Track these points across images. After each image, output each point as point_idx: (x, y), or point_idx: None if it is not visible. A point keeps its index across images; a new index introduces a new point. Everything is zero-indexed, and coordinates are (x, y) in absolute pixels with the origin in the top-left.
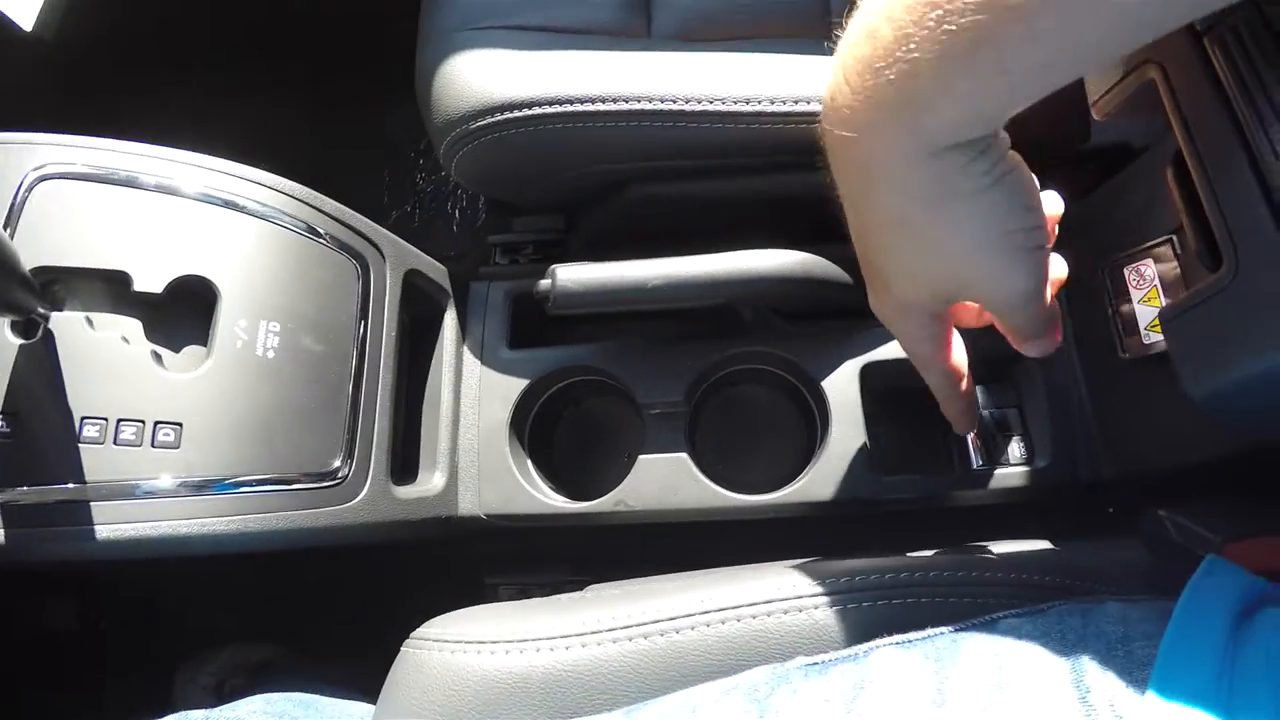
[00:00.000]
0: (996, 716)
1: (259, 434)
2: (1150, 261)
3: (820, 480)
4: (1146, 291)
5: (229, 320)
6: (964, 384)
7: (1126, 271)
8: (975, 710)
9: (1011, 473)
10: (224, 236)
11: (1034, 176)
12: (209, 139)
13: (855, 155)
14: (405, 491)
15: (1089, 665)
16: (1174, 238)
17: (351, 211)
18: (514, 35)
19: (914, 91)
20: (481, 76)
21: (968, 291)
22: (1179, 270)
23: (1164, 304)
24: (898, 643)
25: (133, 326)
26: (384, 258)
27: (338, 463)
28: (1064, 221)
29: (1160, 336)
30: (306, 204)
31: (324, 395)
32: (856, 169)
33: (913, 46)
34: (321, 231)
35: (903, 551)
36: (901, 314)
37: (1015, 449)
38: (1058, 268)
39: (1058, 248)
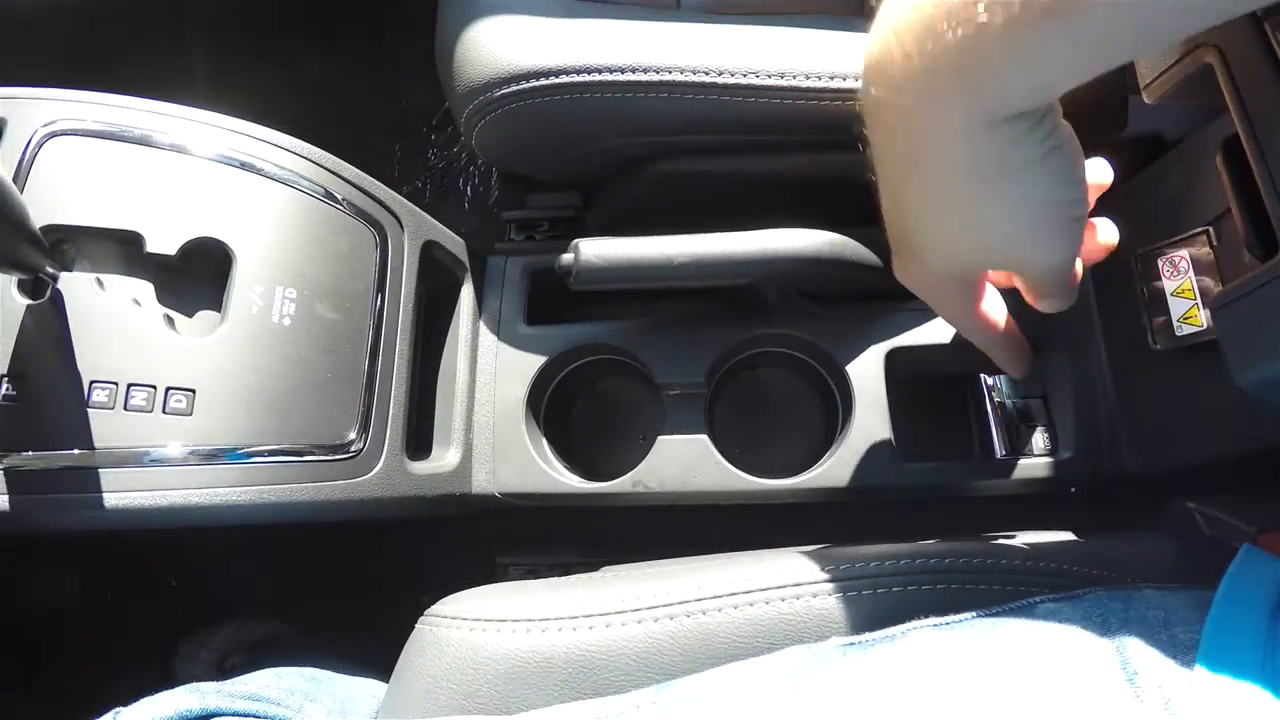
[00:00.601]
0: (1043, 696)
1: (273, 403)
2: (1185, 253)
3: (842, 465)
4: (1181, 283)
5: (244, 285)
6: (1007, 331)
7: (1160, 262)
8: (1020, 690)
9: (1035, 463)
10: (240, 199)
11: (1080, 145)
12: (218, 105)
13: (903, 124)
14: (420, 467)
15: (1133, 647)
16: (1210, 229)
17: (370, 178)
18: (540, 1)
19: (978, 58)
20: (506, 43)
21: (1005, 261)
22: (1215, 261)
23: (1199, 295)
24: (935, 625)
25: (144, 289)
26: (402, 227)
27: (353, 435)
28: (1103, 198)
29: (1194, 329)
30: (325, 169)
31: (340, 366)
32: (902, 138)
33: (981, 9)
34: (340, 197)
35: (927, 539)
36: (935, 284)
37: (1039, 439)
38: (1108, 233)
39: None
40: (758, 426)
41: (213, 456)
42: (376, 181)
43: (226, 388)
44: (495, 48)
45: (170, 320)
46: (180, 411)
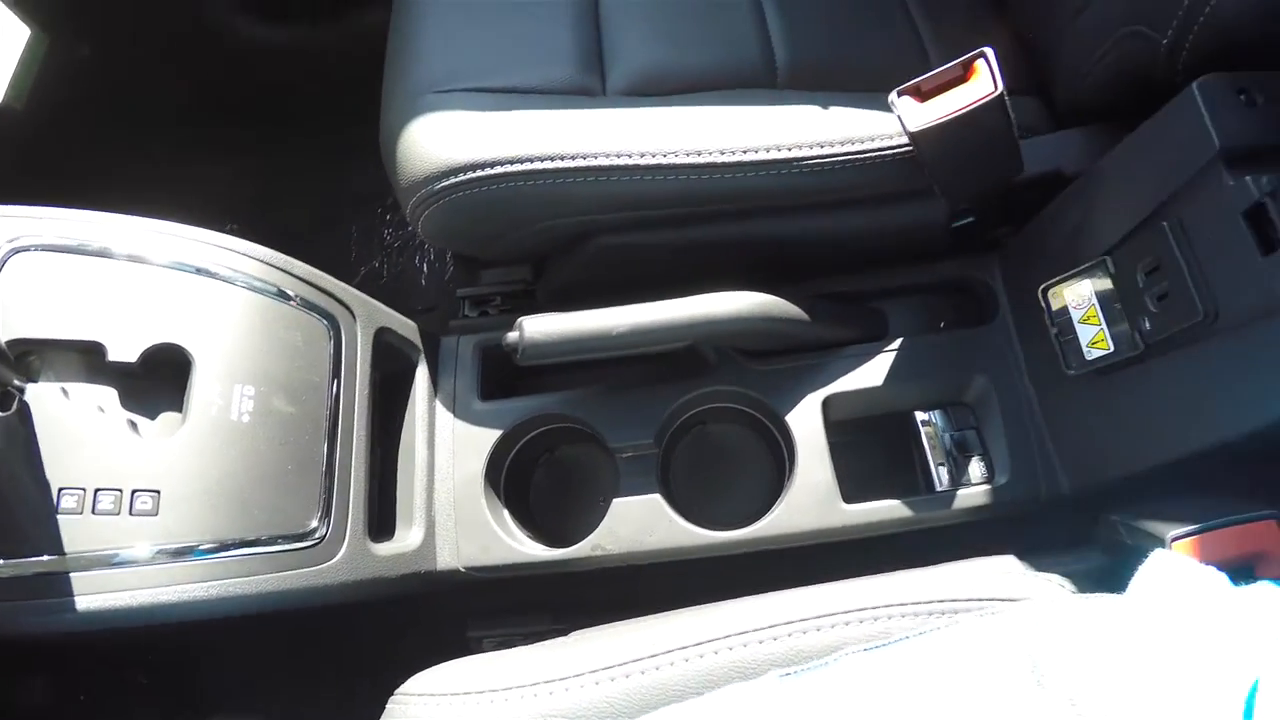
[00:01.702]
0: (959, 699)
1: (235, 498)
2: (1087, 282)
3: (789, 513)
4: (1085, 311)
5: (203, 386)
6: None
7: (1065, 292)
8: (939, 694)
9: (974, 492)
10: (196, 303)
11: None
12: (180, 202)
13: None
14: (383, 548)
15: (1043, 653)
16: (1107, 258)
17: (321, 273)
18: (474, 97)
19: None
20: (444, 138)
21: None
22: (1114, 287)
23: (1104, 321)
24: (865, 648)
25: (108, 395)
26: (354, 317)
27: (315, 523)
28: (1005, 250)
29: (1102, 352)
30: (276, 268)
31: (299, 456)
32: None
33: None
34: (292, 294)
35: (876, 573)
36: None
37: (976, 468)
38: None
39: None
40: (712, 479)
41: (180, 554)
42: (328, 276)
43: (190, 486)
44: (433, 143)
45: (134, 424)
46: (146, 512)
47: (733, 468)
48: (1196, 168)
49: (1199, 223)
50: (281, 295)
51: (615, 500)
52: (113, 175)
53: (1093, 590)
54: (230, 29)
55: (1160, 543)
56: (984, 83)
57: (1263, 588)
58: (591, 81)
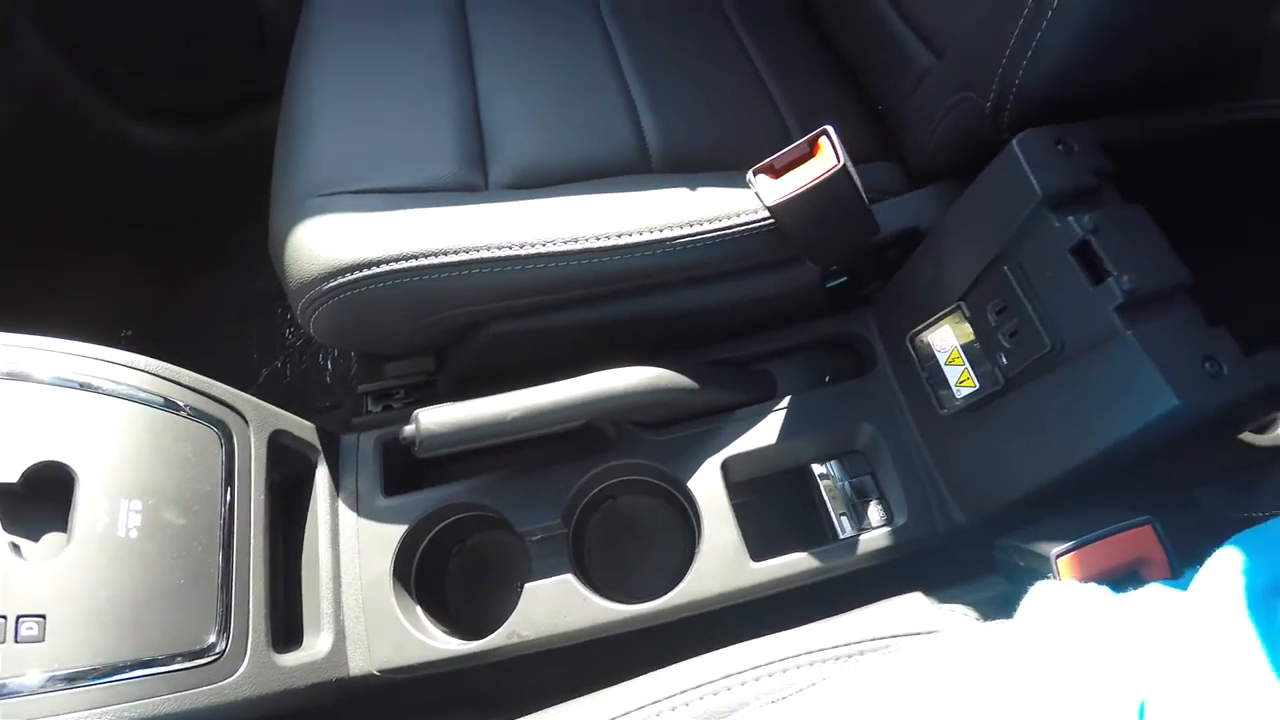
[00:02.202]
0: None
1: (127, 617)
2: (947, 327)
3: (700, 579)
4: (949, 354)
5: (88, 503)
6: None
7: (930, 338)
8: None
9: (876, 535)
10: (79, 419)
11: None
12: (76, 309)
13: None
14: (290, 658)
15: (938, 683)
16: (961, 303)
17: (210, 380)
18: (359, 199)
19: None
20: (330, 240)
21: None
22: (971, 329)
23: (967, 361)
24: (772, 700)
25: None
26: (247, 422)
27: (212, 638)
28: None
29: (969, 390)
30: (163, 378)
31: (193, 569)
32: None
33: None
34: (180, 404)
35: (795, 625)
36: None
37: (875, 513)
38: None
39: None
40: (625, 552)
41: (72, 680)
42: (218, 382)
43: (78, 609)
44: (319, 246)
45: (16, 547)
46: (32, 639)
47: (645, 538)
48: (1025, 214)
49: (1035, 263)
50: (169, 405)
51: (528, 585)
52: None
53: (996, 616)
54: (121, 135)
55: (1048, 562)
56: (827, 158)
57: (1148, 591)
58: (474, 177)
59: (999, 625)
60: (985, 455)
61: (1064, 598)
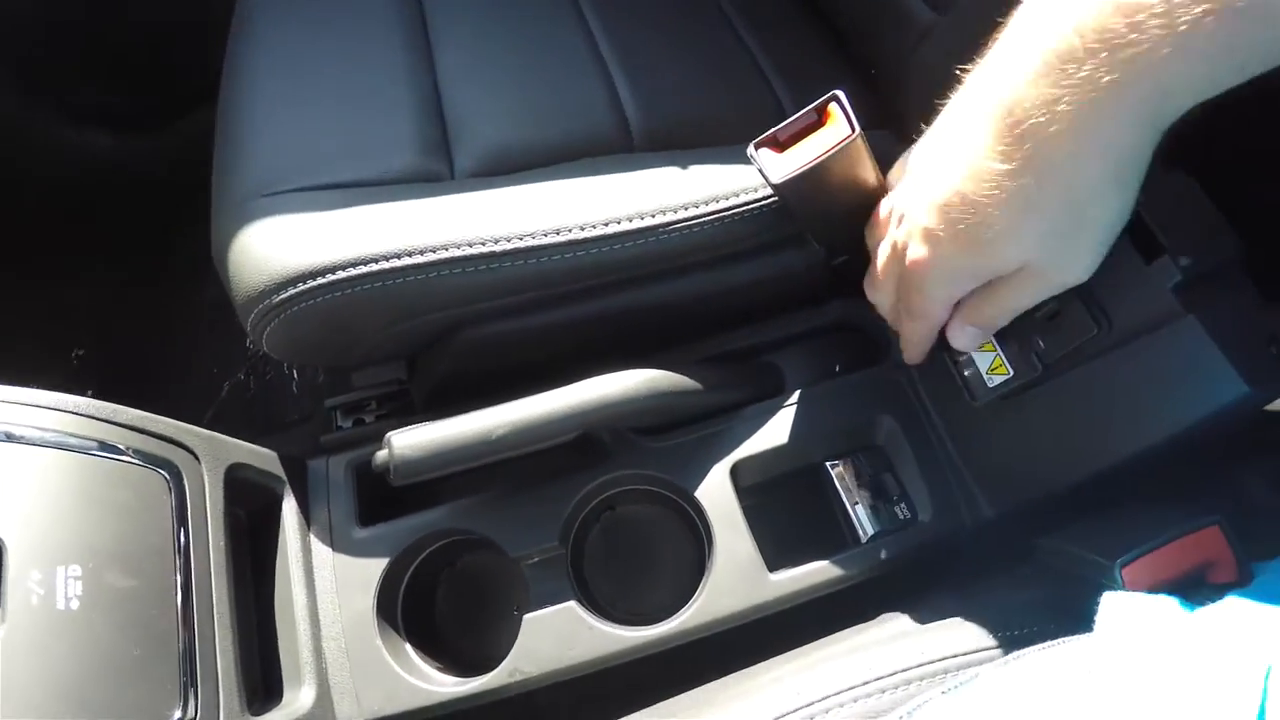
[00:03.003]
0: None
1: (74, 699)
2: None
3: (716, 597)
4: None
5: (20, 575)
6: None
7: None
8: None
9: (901, 535)
10: (2, 477)
11: None
12: (22, 328)
13: (1066, 114)
14: (268, 719)
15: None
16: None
17: (151, 416)
18: (310, 197)
19: (1168, 57)
20: (278, 245)
21: (1051, 265)
22: None
23: (999, 347)
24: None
25: None
26: (198, 459)
27: (177, 712)
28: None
29: (1002, 378)
30: (96, 419)
31: (147, 636)
32: (1056, 129)
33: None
34: (120, 446)
35: (825, 635)
36: (958, 273)
37: (899, 512)
38: None
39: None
40: (630, 568)
41: None
42: (160, 417)
43: (16, 697)
44: (268, 251)
45: None
46: None
47: (648, 549)
48: None
49: None
50: (107, 450)
51: (527, 616)
52: None
53: (1053, 622)
54: (56, 143)
55: (1108, 570)
56: (840, 126)
57: (1229, 603)
58: (437, 166)
59: (1087, 644)
60: (1020, 446)
61: (1137, 613)
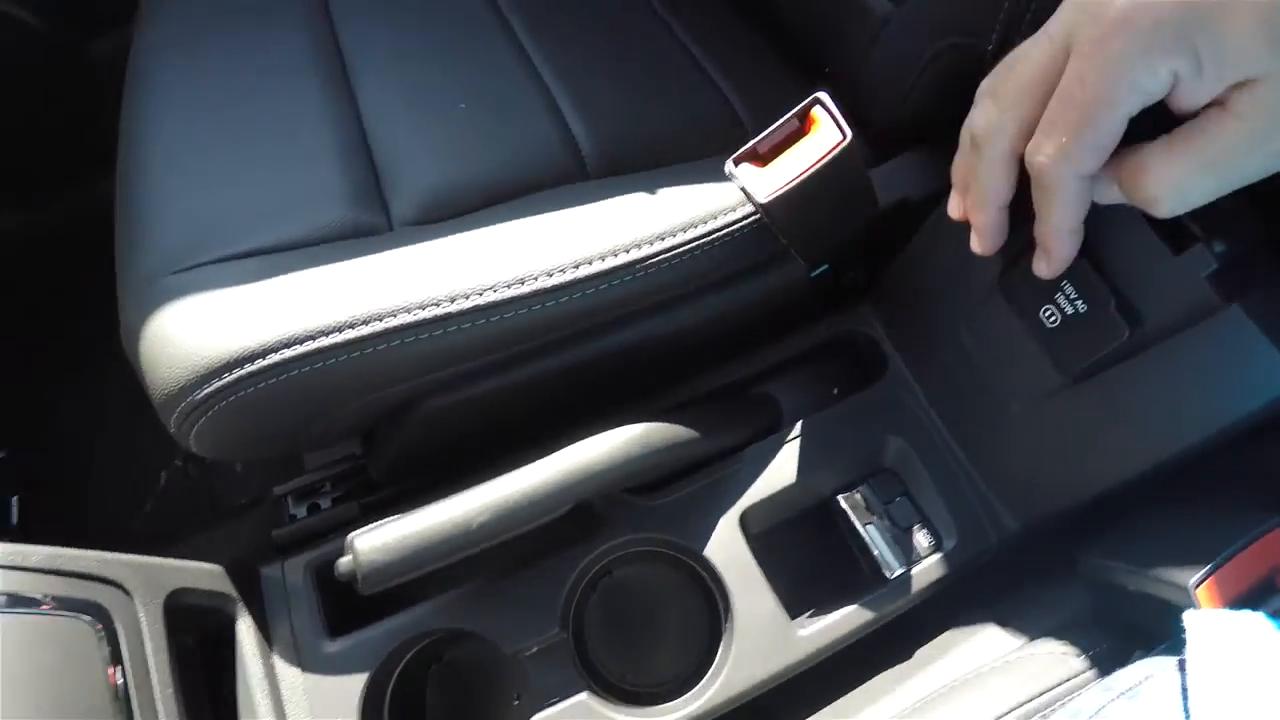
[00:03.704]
0: None
1: None
2: None
3: (742, 663)
4: None
5: None
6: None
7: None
8: None
9: (927, 566)
10: None
11: None
12: None
13: None
14: None
15: None
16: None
17: (67, 551)
18: (230, 268)
19: None
20: (198, 330)
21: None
22: None
23: None
24: None
25: None
26: (129, 593)
27: None
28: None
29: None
30: (3, 568)
31: None
32: None
33: None
34: (36, 598)
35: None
36: (1165, 49)
37: (922, 539)
38: None
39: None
40: (636, 634)
41: None
42: (78, 551)
43: None
44: (185, 339)
45: None
46: None
47: (653, 613)
48: None
49: (1095, 235)
50: (20, 603)
51: (535, 718)
52: None
53: (1094, 639)
54: None
55: (1181, 590)
56: (828, 132)
57: None
58: (373, 218)
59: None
60: (1044, 453)
61: (1228, 634)
